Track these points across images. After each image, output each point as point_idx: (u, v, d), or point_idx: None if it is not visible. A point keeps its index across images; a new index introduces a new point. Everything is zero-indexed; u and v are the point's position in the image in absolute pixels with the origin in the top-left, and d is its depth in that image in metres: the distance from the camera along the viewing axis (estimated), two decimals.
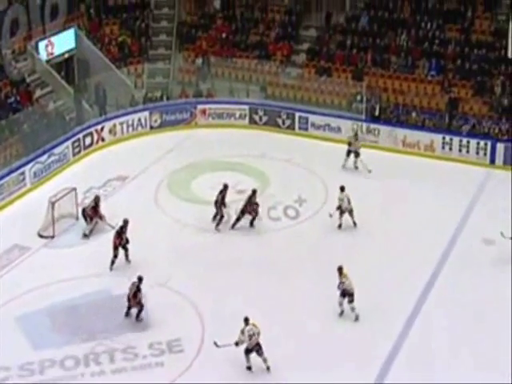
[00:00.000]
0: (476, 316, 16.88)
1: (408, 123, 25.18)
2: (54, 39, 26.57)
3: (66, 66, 27.52)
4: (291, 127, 26.27)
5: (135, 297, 16.66)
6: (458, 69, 25.92)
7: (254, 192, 20.19)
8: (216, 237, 19.89)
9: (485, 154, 23.95)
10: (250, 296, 17.58)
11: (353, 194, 20.23)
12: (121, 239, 18.72)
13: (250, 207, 20.10)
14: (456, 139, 24.27)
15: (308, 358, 15.65)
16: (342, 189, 20.03)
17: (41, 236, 20.20)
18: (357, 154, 23.40)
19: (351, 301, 16.68)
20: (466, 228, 20.30)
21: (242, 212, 20.16)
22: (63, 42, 26.97)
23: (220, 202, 20.24)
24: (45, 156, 23.23)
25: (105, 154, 25.01)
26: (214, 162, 24.20)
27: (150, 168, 23.70)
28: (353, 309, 16.77)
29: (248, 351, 15.23)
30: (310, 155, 24.39)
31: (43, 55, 26.29)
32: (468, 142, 24.16)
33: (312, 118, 26.06)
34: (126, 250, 18.88)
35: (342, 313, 16.92)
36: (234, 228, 20.21)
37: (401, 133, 24.85)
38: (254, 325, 15.17)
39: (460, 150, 24.24)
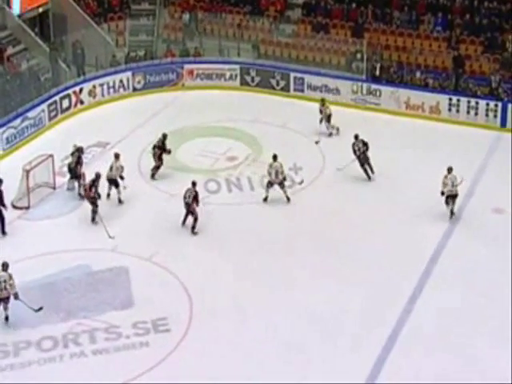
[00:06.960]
0: (484, 288, 16.91)
1: (412, 83, 25.06)
2: None
3: (40, 21, 27.26)
4: (286, 89, 26.12)
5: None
6: (465, 24, 25.73)
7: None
8: (205, 208, 19.67)
9: (495, 117, 23.85)
10: (242, 270, 17.57)
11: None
12: (92, 192, 18.86)
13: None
14: (464, 100, 24.16)
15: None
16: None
17: (14, 207, 20.00)
18: None
19: (453, 203, 18.91)
20: (474, 196, 20.24)
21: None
22: None
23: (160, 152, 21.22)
24: (18, 120, 23.01)
25: (84, 118, 24.83)
26: (202, 127, 24.03)
27: (133, 133, 23.52)
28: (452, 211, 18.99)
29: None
30: (306, 119, 24.14)
31: (15, 9, 26.01)
32: (477, 103, 24.04)
33: (308, 78, 25.92)
34: (95, 205, 18.89)
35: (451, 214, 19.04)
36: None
37: (404, 94, 24.75)
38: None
39: (468, 112, 24.15)
